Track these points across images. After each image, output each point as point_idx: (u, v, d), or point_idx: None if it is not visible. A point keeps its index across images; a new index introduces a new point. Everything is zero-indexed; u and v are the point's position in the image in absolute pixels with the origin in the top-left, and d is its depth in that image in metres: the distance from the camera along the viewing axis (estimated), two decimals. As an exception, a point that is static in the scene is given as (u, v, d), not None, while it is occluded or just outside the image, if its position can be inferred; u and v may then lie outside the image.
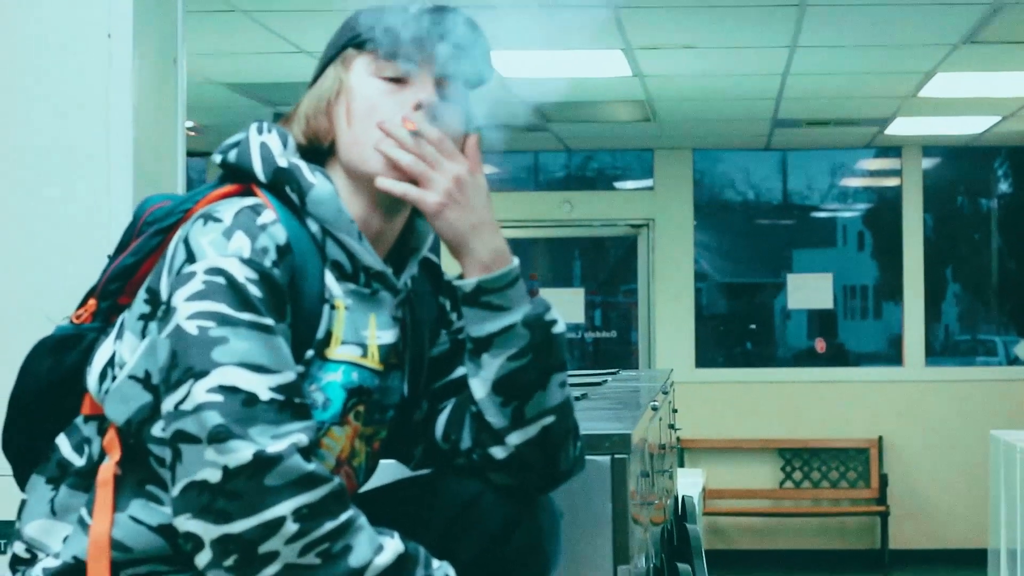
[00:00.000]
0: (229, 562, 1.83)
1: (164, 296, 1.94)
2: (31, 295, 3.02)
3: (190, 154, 3.50)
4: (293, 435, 1.85)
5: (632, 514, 2.66)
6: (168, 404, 1.87)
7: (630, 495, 2.63)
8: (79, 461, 2.06)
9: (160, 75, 3.21)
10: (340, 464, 2.07)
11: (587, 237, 10.99)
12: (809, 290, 10.56)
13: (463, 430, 2.14)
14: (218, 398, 1.84)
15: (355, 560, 1.86)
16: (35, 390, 2.10)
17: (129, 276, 2.07)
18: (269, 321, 1.90)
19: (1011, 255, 10.96)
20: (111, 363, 2.02)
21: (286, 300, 1.95)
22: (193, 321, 1.87)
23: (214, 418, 1.83)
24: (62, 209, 3.06)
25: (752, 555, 10.21)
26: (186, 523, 1.85)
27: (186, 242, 1.95)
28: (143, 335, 1.98)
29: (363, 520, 1.89)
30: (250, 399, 1.85)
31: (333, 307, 2.03)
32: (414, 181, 2.03)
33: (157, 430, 1.94)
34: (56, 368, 2.09)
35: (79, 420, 2.07)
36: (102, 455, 2.03)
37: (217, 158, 2.08)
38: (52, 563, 2.03)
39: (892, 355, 10.71)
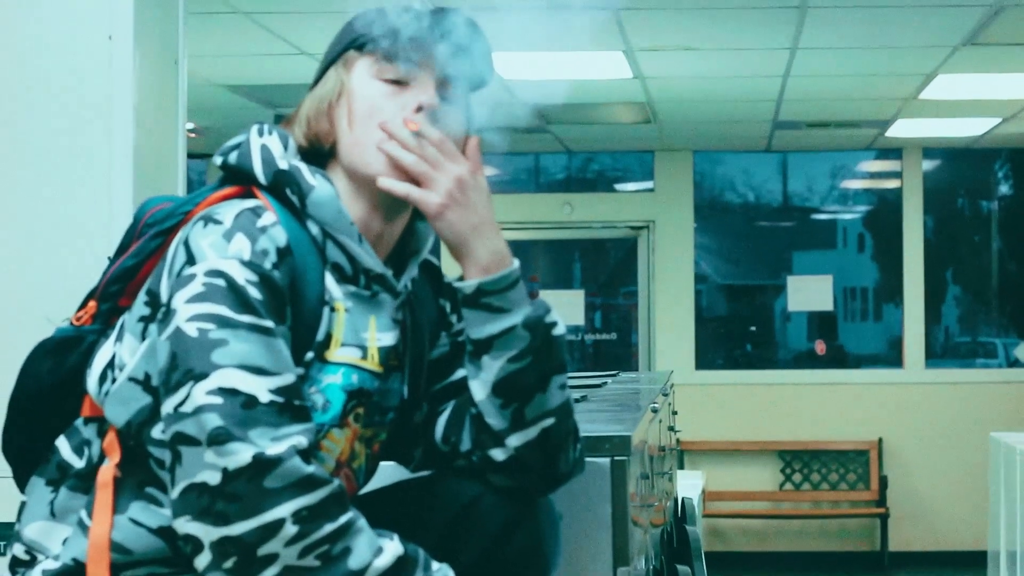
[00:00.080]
0: (229, 564, 1.83)
1: (164, 298, 1.94)
2: (31, 296, 3.02)
3: (191, 156, 3.51)
4: (293, 437, 1.85)
5: (632, 516, 2.66)
6: (168, 406, 1.88)
7: (630, 497, 2.63)
8: (79, 463, 2.06)
9: (161, 77, 3.21)
10: (340, 466, 2.07)
11: (587, 239, 10.99)
12: (809, 292, 10.56)
13: (463, 432, 2.14)
14: (218, 400, 1.84)
15: (354, 562, 1.86)
16: (35, 392, 2.10)
17: (129, 278, 2.07)
18: (269, 323, 1.90)
19: (1011, 257, 10.96)
20: (111, 365, 2.02)
21: (286, 302, 1.95)
22: (193, 323, 1.87)
23: (214, 420, 1.83)
24: (63, 211, 3.06)
25: (752, 557, 10.21)
26: (186, 525, 1.85)
27: (186, 244, 1.95)
28: (143, 337, 1.99)
29: (363, 522, 1.89)
30: (250, 401, 1.85)
31: (333, 309, 2.03)
32: (415, 182, 2.03)
33: (157, 432, 1.95)
34: (56, 370, 2.09)
35: (79, 422, 2.07)
36: (102, 457, 2.04)
37: (218, 160, 2.08)
38: (52, 565, 2.03)
39: (892, 357, 10.71)
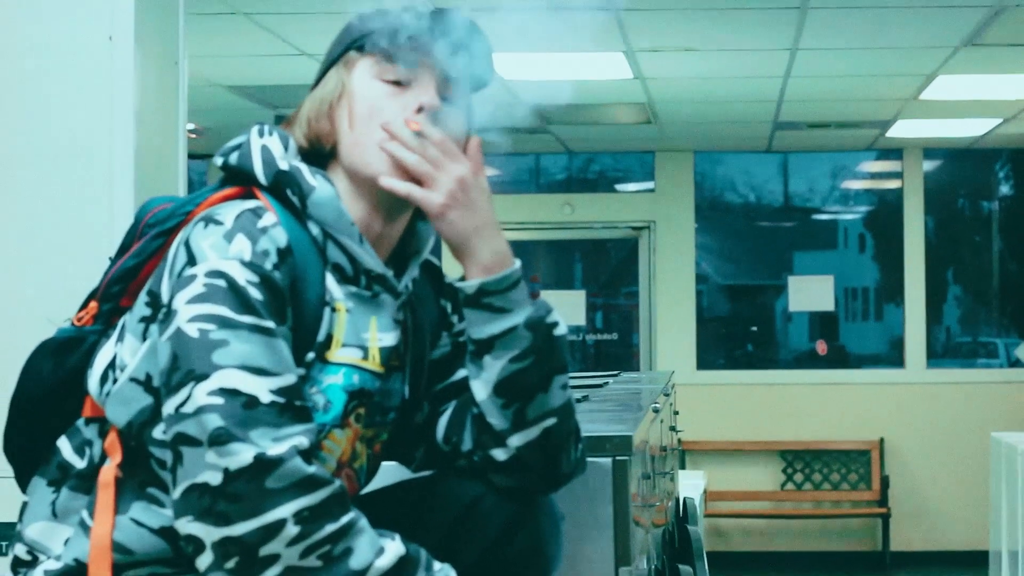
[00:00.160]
0: (230, 564, 1.83)
1: (165, 299, 1.94)
2: (33, 297, 3.02)
3: (191, 156, 3.51)
4: (294, 438, 1.86)
5: (633, 516, 2.66)
6: (169, 407, 1.88)
7: (631, 497, 2.64)
8: (80, 463, 2.06)
9: (162, 77, 3.21)
10: (341, 466, 2.07)
11: (588, 239, 10.99)
12: (810, 292, 10.56)
13: (464, 432, 2.14)
14: (219, 401, 1.84)
15: (356, 562, 1.86)
16: (36, 392, 2.10)
17: (130, 279, 2.07)
18: (270, 324, 1.90)
19: (1012, 257, 10.96)
20: (112, 365, 2.03)
21: (287, 303, 1.95)
22: (194, 324, 1.88)
23: (215, 421, 1.83)
24: (64, 211, 3.06)
25: (753, 557, 10.21)
26: (187, 525, 1.85)
27: (187, 245, 1.95)
28: (144, 337, 1.99)
29: (364, 522, 1.89)
30: (251, 402, 1.85)
31: (334, 310, 2.03)
32: (417, 182, 2.03)
33: (158, 432, 1.95)
34: (57, 370, 2.09)
35: (80, 422, 2.07)
36: (103, 457, 2.04)
37: (218, 161, 2.08)
38: (53, 565, 2.03)
39: (893, 357, 10.71)
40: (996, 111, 8.81)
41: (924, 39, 6.71)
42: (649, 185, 10.68)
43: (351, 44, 2.10)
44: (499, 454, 2.10)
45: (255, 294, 1.90)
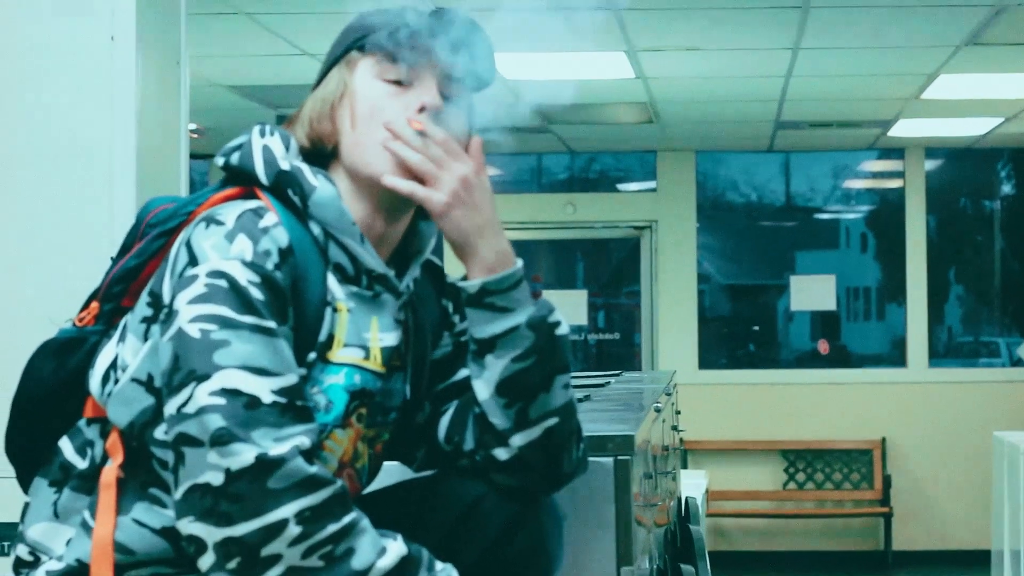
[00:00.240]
0: (232, 565, 1.83)
1: (166, 299, 1.94)
2: (34, 297, 3.02)
3: (193, 156, 3.51)
4: (295, 438, 1.86)
5: (635, 516, 2.66)
6: (170, 407, 1.88)
7: (633, 497, 2.63)
8: (82, 464, 2.06)
9: (163, 78, 3.21)
10: (343, 466, 2.07)
11: (590, 239, 10.99)
12: (812, 292, 10.56)
13: (466, 432, 2.14)
14: (220, 401, 1.84)
15: (358, 563, 1.86)
16: (38, 393, 2.10)
17: (132, 279, 2.07)
18: (271, 324, 1.90)
19: (1014, 256, 10.96)
20: (113, 366, 2.03)
21: (288, 303, 1.95)
22: (195, 324, 1.88)
23: (216, 421, 1.83)
24: (66, 211, 3.06)
25: (755, 556, 10.21)
26: (189, 526, 1.85)
27: (188, 245, 1.95)
28: (145, 338, 1.99)
29: (366, 522, 1.89)
30: (252, 402, 1.85)
31: (335, 310, 2.03)
32: (420, 182, 2.03)
33: (159, 433, 1.95)
34: (59, 371, 2.09)
35: (82, 423, 2.07)
36: (105, 458, 2.04)
37: (219, 161, 2.08)
38: (55, 566, 2.03)
39: (895, 356, 10.70)
40: (997, 110, 8.81)
41: (925, 38, 6.71)
42: (651, 185, 10.68)
43: (353, 44, 2.10)
44: (501, 454, 2.10)
45: (256, 294, 1.90)
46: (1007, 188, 11.08)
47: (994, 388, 10.19)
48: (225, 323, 1.87)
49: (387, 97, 2.07)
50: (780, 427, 10.29)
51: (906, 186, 10.48)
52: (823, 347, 10.75)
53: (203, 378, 1.85)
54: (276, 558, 1.83)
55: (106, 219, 3.04)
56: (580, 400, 2.97)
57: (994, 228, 10.97)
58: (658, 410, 3.54)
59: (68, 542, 2.04)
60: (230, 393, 1.84)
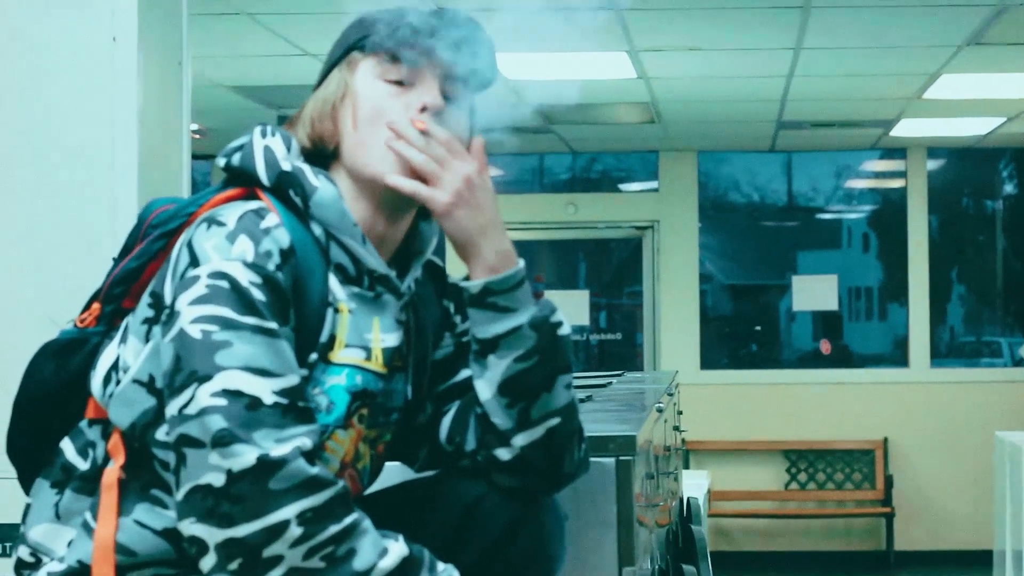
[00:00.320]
0: (234, 566, 1.83)
1: (168, 300, 1.94)
2: (36, 298, 3.02)
3: (195, 157, 3.51)
4: (297, 439, 1.85)
5: (637, 516, 2.66)
6: (172, 408, 1.88)
7: (635, 497, 2.63)
8: (83, 465, 2.06)
9: (165, 78, 3.21)
10: (344, 467, 2.07)
11: (592, 239, 10.99)
12: (814, 292, 10.55)
13: (467, 432, 2.14)
14: (222, 402, 1.84)
15: (359, 564, 1.86)
16: (39, 394, 2.10)
17: (133, 280, 2.07)
18: (273, 325, 1.90)
19: (1016, 256, 10.95)
20: (115, 367, 2.03)
21: (290, 304, 1.95)
22: (197, 325, 1.88)
23: (218, 422, 1.83)
24: (67, 212, 3.06)
25: (757, 557, 10.21)
26: (190, 527, 1.85)
27: (190, 246, 1.95)
28: (147, 339, 1.99)
29: (367, 523, 1.89)
30: (254, 403, 1.85)
31: (337, 310, 2.03)
32: (423, 181, 2.03)
33: (161, 434, 1.95)
34: (60, 372, 2.09)
35: (83, 424, 2.07)
36: (106, 459, 2.04)
37: (221, 162, 2.08)
38: (57, 567, 2.03)
39: (897, 356, 10.70)
40: (999, 110, 8.81)
41: (927, 38, 6.71)
42: (653, 185, 10.68)
43: (354, 44, 2.10)
44: (503, 454, 2.10)
45: (258, 295, 1.90)
46: (1009, 188, 11.08)
47: (996, 388, 10.19)
48: (227, 324, 1.87)
49: (388, 97, 2.07)
50: (782, 427, 10.29)
51: (908, 186, 10.48)
52: (825, 347, 10.74)
53: (204, 379, 1.85)
54: (278, 559, 1.83)
55: (108, 220, 3.04)
56: (582, 400, 2.97)
57: (996, 228, 10.97)
58: (660, 410, 3.54)
59: (69, 543, 2.04)
60: (231, 394, 1.84)
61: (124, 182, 3.04)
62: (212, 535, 1.83)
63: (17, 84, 3.09)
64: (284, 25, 6.33)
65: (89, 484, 2.04)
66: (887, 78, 7.75)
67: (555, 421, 2.09)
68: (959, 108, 8.71)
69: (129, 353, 2.00)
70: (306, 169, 2.04)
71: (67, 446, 2.07)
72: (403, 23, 2.06)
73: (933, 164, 10.63)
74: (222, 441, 1.82)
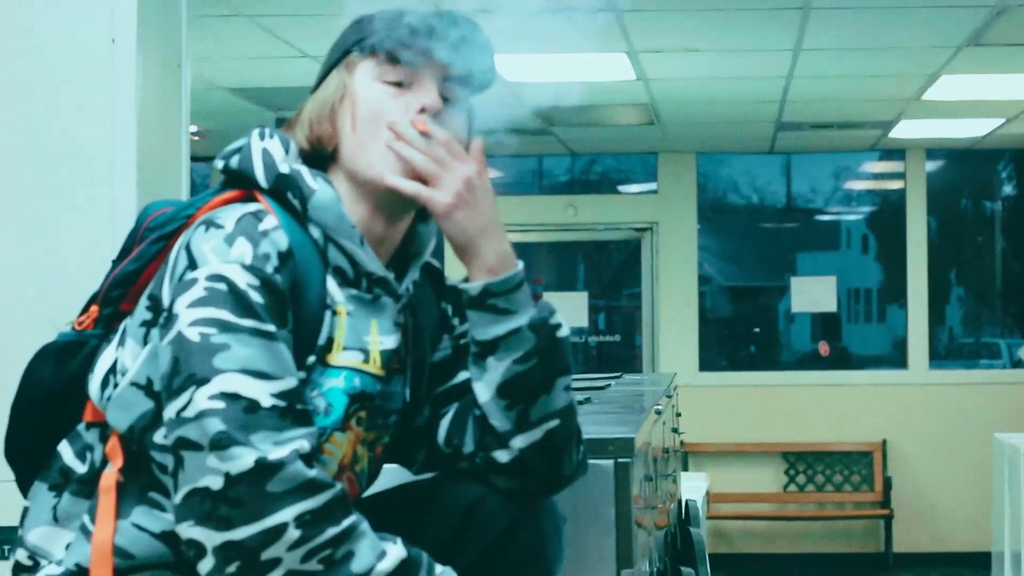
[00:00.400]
0: (232, 569, 1.83)
1: (166, 303, 1.94)
2: (35, 300, 3.02)
3: (194, 159, 3.50)
4: (295, 441, 1.85)
5: (636, 518, 2.66)
6: (170, 411, 1.87)
7: (634, 499, 2.63)
8: (81, 468, 2.06)
9: (164, 80, 3.21)
10: (342, 470, 2.07)
11: (591, 241, 10.99)
12: (813, 293, 10.56)
13: (466, 434, 2.14)
14: (220, 405, 1.84)
15: (358, 566, 1.86)
16: (37, 397, 2.10)
17: (131, 283, 2.07)
18: (271, 327, 1.90)
19: (1015, 258, 10.95)
20: (113, 370, 2.02)
21: (288, 306, 1.95)
22: (195, 328, 1.87)
23: (216, 425, 1.83)
24: (67, 214, 3.06)
25: (756, 559, 10.21)
26: (188, 530, 1.85)
27: (188, 249, 1.95)
28: (145, 342, 1.99)
29: (365, 526, 1.89)
30: (252, 406, 1.84)
31: (335, 313, 2.03)
32: (423, 183, 2.03)
33: (159, 437, 1.94)
34: (58, 375, 2.09)
35: (81, 427, 2.07)
36: (104, 462, 2.03)
37: (219, 164, 2.08)
38: (55, 570, 2.03)
39: (896, 358, 10.70)
40: (999, 111, 8.81)
41: (926, 39, 6.71)
42: (652, 186, 10.68)
43: (352, 46, 2.10)
44: (502, 456, 2.09)
45: (256, 298, 1.90)
46: (1008, 189, 11.08)
47: (995, 390, 10.19)
48: (225, 327, 1.87)
49: (387, 99, 2.07)
50: (780, 429, 10.29)
51: (907, 187, 10.48)
52: (824, 349, 10.74)
53: (202, 382, 1.85)
54: (276, 562, 1.83)
55: (107, 222, 3.03)
56: (581, 402, 2.97)
57: (995, 229, 10.97)
58: (659, 412, 3.53)
59: (67, 546, 2.04)
60: (229, 397, 1.84)
61: (123, 184, 3.04)
62: (210, 538, 1.83)
63: (16, 86, 3.08)
64: (283, 27, 6.33)
65: (87, 487, 2.04)
66: (886, 79, 7.75)
67: (554, 423, 2.09)
68: (958, 109, 8.72)
69: (127, 356, 2.00)
70: (304, 171, 2.04)
71: (65, 449, 2.07)
72: (401, 24, 2.06)
73: (932, 165, 10.63)
74: (220, 444, 1.82)
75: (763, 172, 11.03)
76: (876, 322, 11.15)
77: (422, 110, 2.05)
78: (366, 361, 2.05)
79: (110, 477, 2.01)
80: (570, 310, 10.27)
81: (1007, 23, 6.29)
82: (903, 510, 10.18)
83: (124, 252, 2.11)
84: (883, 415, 10.27)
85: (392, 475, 2.25)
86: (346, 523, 1.86)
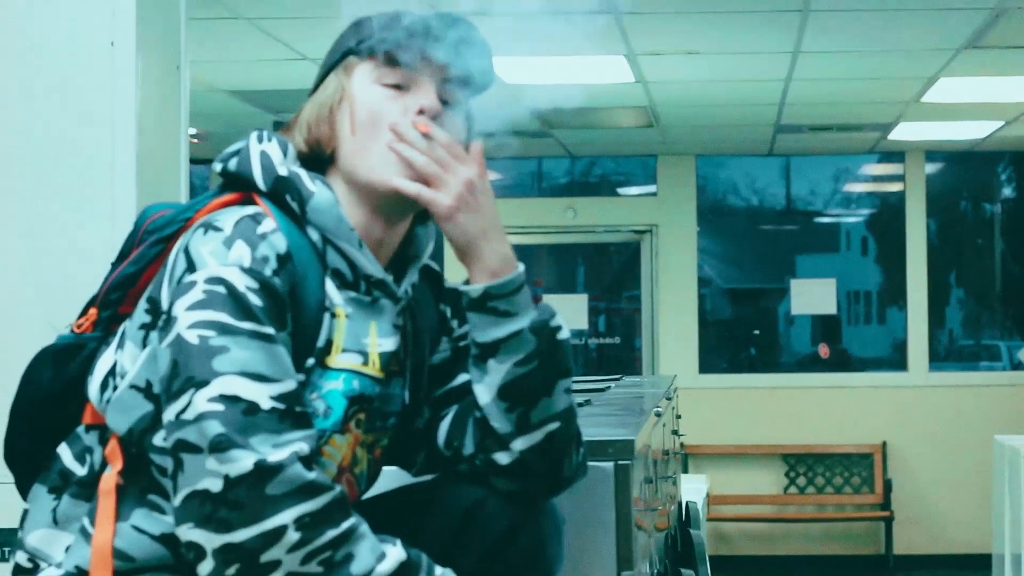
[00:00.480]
0: (231, 571, 1.83)
1: (165, 305, 1.94)
2: (35, 302, 3.02)
3: (193, 161, 3.50)
4: (294, 444, 1.85)
5: (636, 520, 2.66)
6: (169, 413, 1.87)
7: (634, 501, 2.63)
8: (81, 471, 2.05)
9: (163, 83, 3.21)
10: (342, 472, 2.07)
11: (590, 243, 10.99)
12: (813, 295, 10.56)
13: (466, 436, 2.14)
14: (219, 407, 1.84)
15: (357, 568, 1.86)
16: (36, 399, 2.10)
17: (130, 285, 2.07)
18: (270, 330, 1.90)
19: (1014, 260, 10.95)
20: (112, 372, 2.02)
21: (286, 309, 1.95)
22: (194, 330, 1.87)
23: (215, 427, 1.83)
24: (66, 217, 3.06)
25: (756, 561, 10.20)
26: (188, 532, 1.85)
27: (186, 251, 1.95)
28: (144, 344, 1.98)
29: (365, 528, 1.89)
30: (251, 408, 1.84)
31: (334, 315, 2.02)
32: (424, 184, 2.03)
33: (158, 439, 1.94)
34: (57, 377, 2.09)
35: (81, 429, 2.07)
36: (104, 464, 2.03)
37: (217, 167, 2.08)
38: (54, 573, 2.02)
39: (896, 360, 10.70)
40: (998, 113, 8.81)
41: (925, 42, 6.71)
42: (651, 189, 10.68)
43: (350, 48, 2.10)
44: (502, 458, 2.09)
45: (255, 300, 1.90)
46: (1007, 191, 11.08)
47: (995, 392, 10.19)
48: (224, 329, 1.87)
49: (385, 101, 2.06)
50: (781, 431, 10.29)
51: (906, 189, 10.48)
52: (824, 351, 10.74)
53: (202, 384, 1.85)
54: (275, 564, 1.82)
55: (107, 224, 3.03)
56: (580, 404, 2.97)
57: (994, 231, 10.97)
58: (658, 414, 3.53)
59: (67, 549, 2.04)
60: (229, 399, 1.84)
61: (122, 186, 3.04)
62: (210, 540, 1.83)
63: (16, 88, 3.08)
64: (282, 29, 6.34)
65: (87, 490, 2.04)
66: (885, 82, 7.76)
67: (555, 425, 2.09)
68: (957, 112, 8.72)
69: (126, 358, 2.00)
70: (302, 174, 2.04)
71: (64, 452, 2.07)
72: (399, 27, 2.06)
73: (931, 168, 10.63)
74: (219, 446, 1.82)
75: (762, 174, 11.04)
76: (876, 324, 11.15)
77: (420, 112, 2.05)
78: (365, 363, 2.05)
79: (110, 479, 2.01)
80: (570, 312, 10.27)
81: (1006, 25, 6.29)
82: (903, 512, 10.18)
83: (123, 255, 2.11)
84: (883, 417, 10.27)
85: (392, 477, 2.25)
86: (345, 525, 1.86)
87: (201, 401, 1.84)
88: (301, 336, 1.97)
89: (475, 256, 2.05)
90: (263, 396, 1.85)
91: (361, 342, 2.05)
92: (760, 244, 11.21)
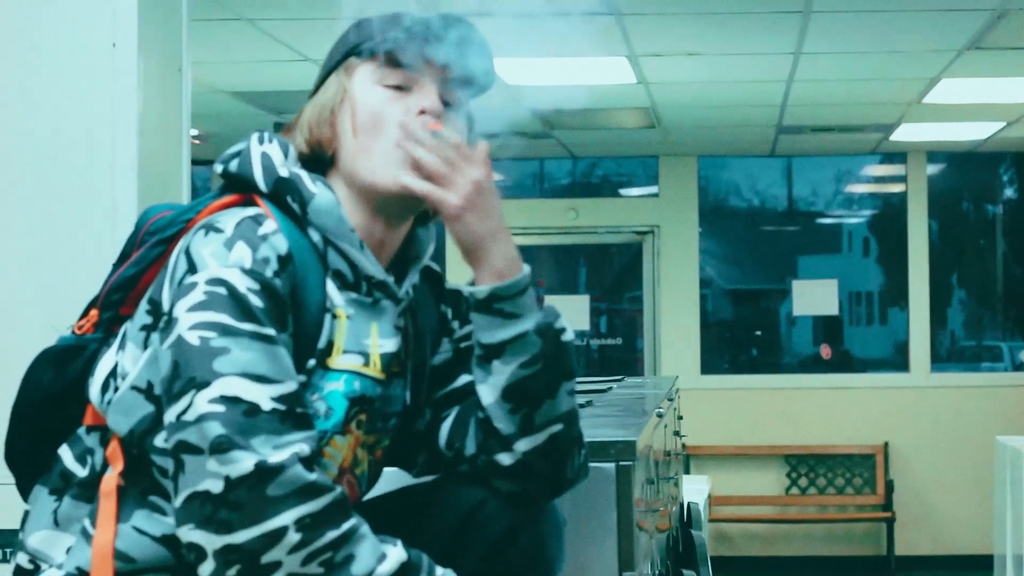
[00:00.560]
0: (232, 572, 1.83)
1: (166, 307, 1.94)
2: (36, 303, 3.02)
3: (194, 162, 3.51)
4: (295, 445, 1.85)
5: (637, 521, 2.66)
6: (170, 415, 1.87)
7: (635, 502, 2.63)
8: (82, 472, 2.05)
9: (165, 84, 3.21)
10: (342, 473, 2.07)
11: (592, 244, 10.99)
12: (814, 296, 10.56)
13: (467, 437, 2.14)
14: (220, 408, 1.84)
15: (358, 569, 1.86)
16: (37, 400, 2.10)
17: (131, 287, 2.07)
18: (271, 331, 1.90)
19: (1016, 261, 10.95)
20: (113, 374, 2.02)
21: (287, 310, 1.95)
22: (195, 332, 1.87)
23: (216, 428, 1.83)
24: (67, 217, 3.06)
25: (758, 562, 10.20)
26: (189, 534, 1.85)
27: (187, 253, 1.95)
28: (145, 346, 1.98)
29: (366, 529, 1.89)
30: (252, 409, 1.84)
31: (335, 316, 2.02)
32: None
33: (159, 441, 1.94)
34: (58, 379, 2.09)
35: (81, 431, 2.07)
36: (105, 466, 2.03)
37: (218, 168, 2.08)
38: (56, 574, 2.02)
39: (898, 361, 10.70)
40: (1000, 114, 8.81)
41: (927, 43, 6.71)
42: (653, 190, 10.68)
43: (351, 50, 2.10)
44: (505, 459, 2.09)
45: (256, 301, 1.90)
46: (1009, 192, 11.08)
47: (997, 393, 10.19)
48: (225, 330, 1.87)
49: (387, 102, 2.06)
50: (782, 432, 10.29)
51: (908, 190, 10.48)
52: (825, 352, 10.74)
53: (203, 385, 1.85)
54: (276, 565, 1.82)
55: (108, 225, 3.04)
56: (582, 405, 2.97)
57: (996, 232, 10.97)
58: (660, 415, 3.53)
59: (68, 550, 2.04)
60: (230, 400, 1.84)
61: (124, 187, 3.04)
62: (211, 541, 1.83)
63: (17, 90, 3.09)
64: (284, 30, 6.34)
65: (88, 491, 2.04)
66: (887, 83, 7.75)
67: (558, 427, 2.09)
68: (959, 112, 8.72)
69: (127, 360, 2.00)
70: (303, 175, 2.04)
71: (65, 453, 2.07)
72: (400, 28, 2.06)
73: (933, 168, 10.63)
74: (220, 447, 1.82)
75: (764, 175, 11.04)
76: (878, 325, 11.15)
77: (422, 113, 2.05)
78: (366, 364, 2.05)
79: (111, 481, 2.01)
80: (572, 313, 10.26)
81: (1008, 27, 6.29)
82: (905, 513, 10.18)
83: (124, 256, 2.11)
84: (885, 418, 10.27)
85: (393, 478, 2.25)
86: (346, 526, 1.86)
87: (202, 402, 1.84)
88: (302, 337, 1.97)
89: (482, 257, 2.05)
90: (264, 397, 1.86)
91: (362, 343, 2.05)
92: (762, 245, 11.21)
